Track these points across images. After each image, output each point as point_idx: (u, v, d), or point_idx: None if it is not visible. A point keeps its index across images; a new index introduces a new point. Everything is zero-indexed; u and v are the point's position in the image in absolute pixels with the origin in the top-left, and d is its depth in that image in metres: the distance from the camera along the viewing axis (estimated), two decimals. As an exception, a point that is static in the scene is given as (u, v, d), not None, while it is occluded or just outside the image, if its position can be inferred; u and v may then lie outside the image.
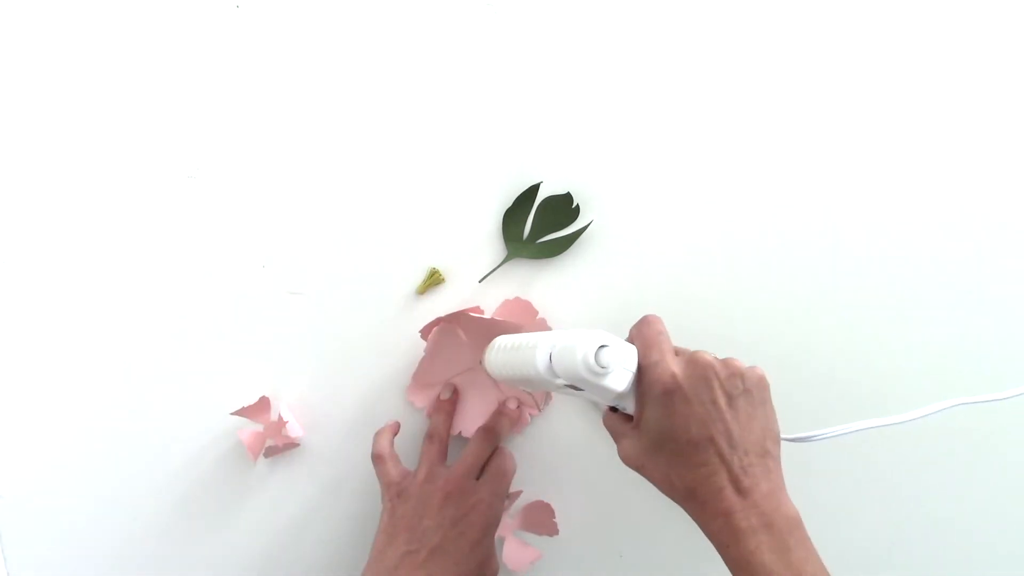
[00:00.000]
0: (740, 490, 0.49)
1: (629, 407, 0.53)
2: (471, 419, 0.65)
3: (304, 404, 0.66)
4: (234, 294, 0.66)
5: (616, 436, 0.55)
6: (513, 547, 0.64)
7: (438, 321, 0.62)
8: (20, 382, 0.66)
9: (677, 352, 0.53)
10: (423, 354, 0.64)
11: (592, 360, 0.49)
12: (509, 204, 0.66)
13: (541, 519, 0.64)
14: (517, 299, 0.64)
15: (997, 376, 0.65)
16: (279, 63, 0.66)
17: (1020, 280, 0.66)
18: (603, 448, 0.66)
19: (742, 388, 0.51)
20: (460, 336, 0.64)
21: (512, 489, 0.64)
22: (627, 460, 0.53)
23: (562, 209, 0.66)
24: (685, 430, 0.50)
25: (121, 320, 0.66)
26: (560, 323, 0.65)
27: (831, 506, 0.66)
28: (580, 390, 0.52)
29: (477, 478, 0.60)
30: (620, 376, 0.51)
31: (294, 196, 0.66)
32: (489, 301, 0.65)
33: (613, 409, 0.55)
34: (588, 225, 0.66)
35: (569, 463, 0.66)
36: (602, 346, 0.49)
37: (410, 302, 0.66)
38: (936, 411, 0.55)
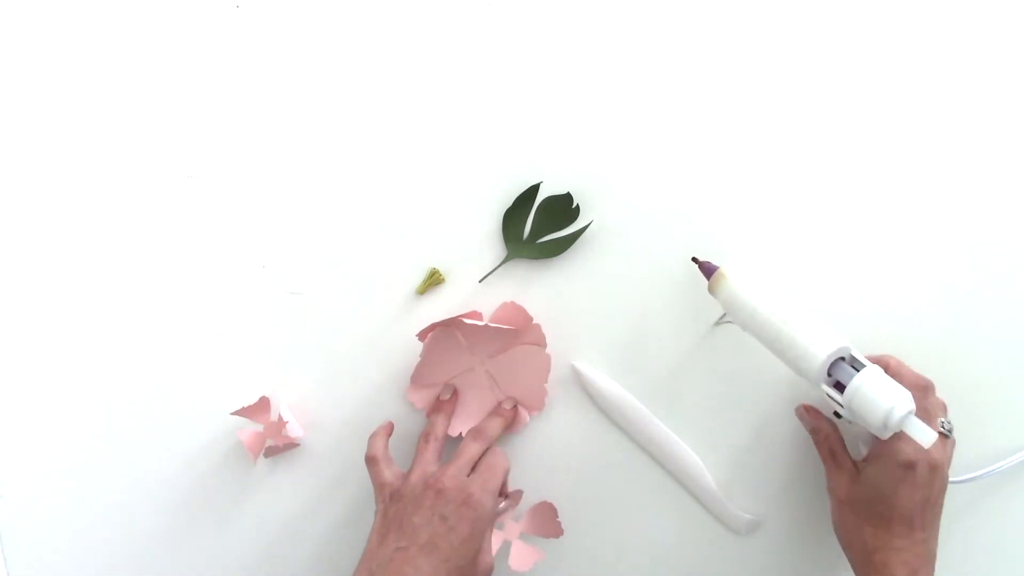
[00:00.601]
0: (909, 566, 0.56)
1: (862, 448, 0.60)
2: (469, 419, 0.65)
3: (304, 404, 0.66)
4: (234, 294, 0.66)
5: (831, 467, 0.61)
6: (517, 548, 0.64)
7: (435, 326, 0.62)
8: (20, 382, 0.66)
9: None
10: (420, 358, 0.64)
11: (895, 421, 0.53)
12: (509, 204, 0.66)
13: (545, 521, 0.64)
14: (512, 304, 0.64)
15: None
16: (279, 63, 0.66)
17: None
18: (601, 448, 0.66)
19: (941, 480, 0.58)
20: (458, 338, 0.64)
21: (511, 488, 0.64)
22: (836, 495, 0.60)
23: (562, 209, 0.66)
24: (903, 506, 0.57)
25: (121, 320, 0.66)
26: (559, 324, 0.65)
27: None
28: (840, 406, 0.55)
29: (468, 476, 0.60)
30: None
31: (294, 196, 0.66)
32: (489, 301, 0.65)
33: (836, 415, 0.58)
34: (588, 225, 0.66)
35: (568, 463, 0.66)
36: (910, 412, 0.53)
37: (410, 302, 0.66)
38: None
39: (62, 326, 0.66)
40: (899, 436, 0.55)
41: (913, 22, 0.66)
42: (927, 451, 0.56)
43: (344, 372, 0.66)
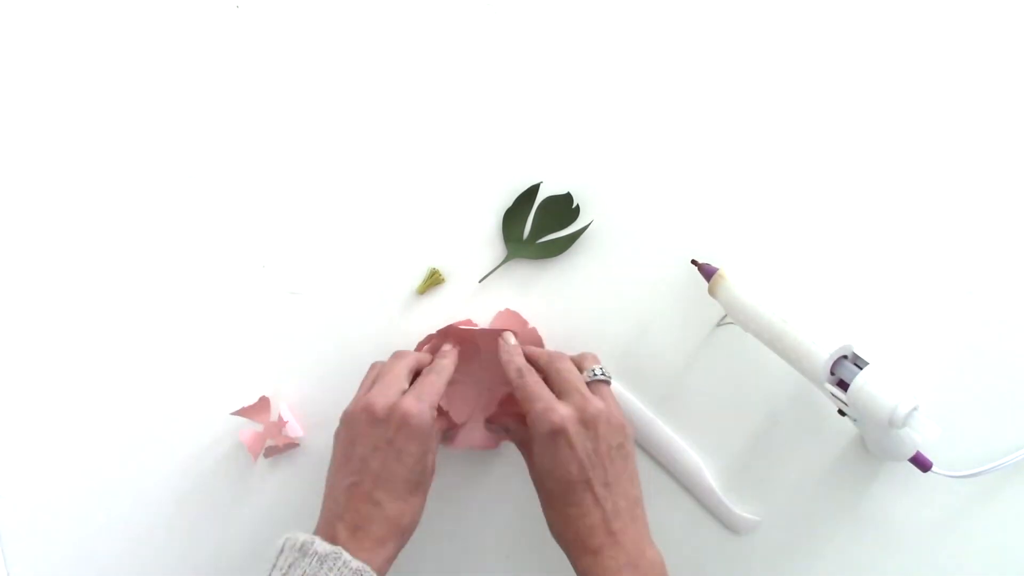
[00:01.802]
0: (610, 531, 0.53)
1: (868, 446, 0.60)
2: (464, 407, 0.64)
3: (304, 404, 0.66)
4: (234, 294, 0.66)
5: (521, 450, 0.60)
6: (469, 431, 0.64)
7: (430, 338, 0.62)
8: (20, 382, 0.66)
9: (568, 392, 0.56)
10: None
11: (900, 418, 0.53)
12: (509, 204, 0.66)
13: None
14: (507, 310, 0.64)
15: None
16: (279, 64, 0.66)
17: None
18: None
19: (620, 439, 0.55)
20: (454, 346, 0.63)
21: (507, 492, 0.64)
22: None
23: (562, 209, 0.66)
24: (565, 471, 0.54)
25: (121, 320, 0.66)
26: (559, 324, 0.65)
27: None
28: (845, 405, 0.55)
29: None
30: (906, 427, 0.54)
31: (294, 196, 0.66)
32: (489, 301, 0.65)
33: (841, 412, 0.58)
34: (588, 225, 0.66)
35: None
36: (915, 408, 0.53)
37: (410, 302, 0.66)
38: None
39: (62, 326, 0.66)
40: (535, 414, 0.55)
41: (910, 22, 0.66)
42: (570, 409, 0.54)
43: (344, 372, 0.66)
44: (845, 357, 0.56)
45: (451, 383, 0.60)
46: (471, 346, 0.63)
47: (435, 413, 0.56)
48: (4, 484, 0.66)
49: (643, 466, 0.66)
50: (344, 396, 0.65)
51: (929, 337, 0.65)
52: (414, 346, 0.63)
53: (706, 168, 0.66)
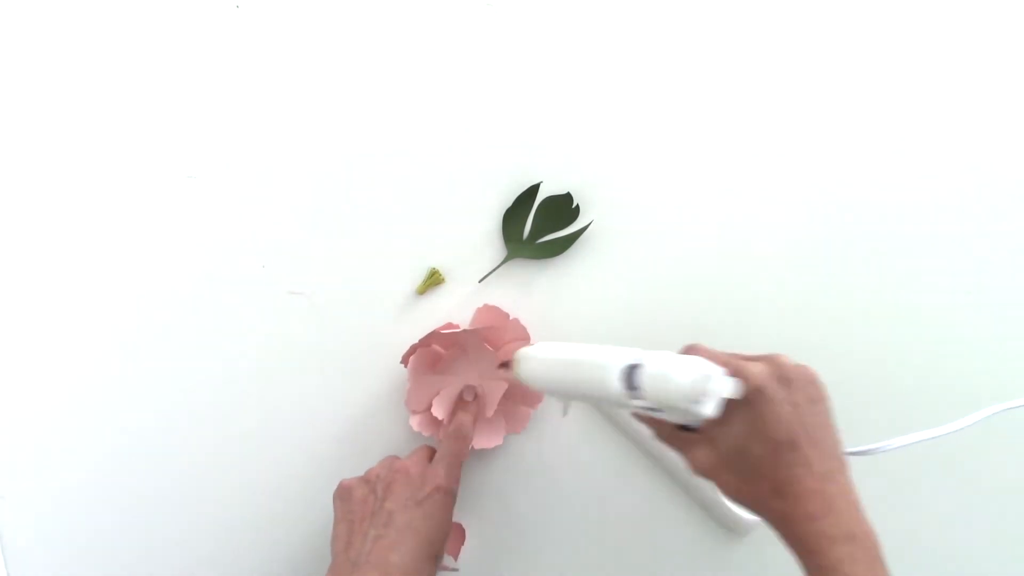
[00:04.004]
0: (826, 496, 0.48)
1: (695, 422, 0.52)
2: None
3: (304, 404, 0.66)
4: (234, 294, 0.66)
5: (683, 447, 0.53)
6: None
7: (414, 348, 0.62)
8: (20, 382, 0.66)
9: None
10: (408, 383, 0.64)
11: (697, 388, 0.48)
12: (509, 204, 0.66)
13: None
14: (486, 305, 0.64)
15: None
16: (279, 63, 0.66)
17: None
18: (600, 446, 0.66)
19: (817, 394, 0.50)
20: (439, 352, 0.64)
21: (508, 490, 0.64)
22: (702, 469, 0.52)
23: (562, 209, 0.66)
24: (774, 430, 0.49)
25: (121, 320, 0.66)
26: (559, 323, 0.65)
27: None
28: (656, 411, 0.51)
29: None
30: (713, 402, 0.49)
31: (294, 196, 0.66)
32: (489, 301, 0.65)
33: (681, 427, 0.53)
34: (588, 225, 0.66)
35: (567, 460, 0.66)
36: (706, 375, 0.48)
37: (410, 302, 0.66)
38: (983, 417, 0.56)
39: (61, 326, 0.66)
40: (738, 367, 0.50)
41: (910, 27, 0.66)
42: (755, 374, 0.49)
43: (344, 372, 0.66)
44: (633, 368, 0.51)
45: (443, 386, 0.62)
46: (458, 349, 0.63)
47: (458, 484, 0.59)
48: (4, 484, 0.66)
49: (643, 465, 0.66)
50: (343, 395, 0.65)
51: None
52: (406, 349, 0.63)
53: (706, 168, 0.66)
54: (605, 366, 0.51)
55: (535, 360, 0.55)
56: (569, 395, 0.54)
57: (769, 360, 0.51)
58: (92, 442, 0.66)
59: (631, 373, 0.50)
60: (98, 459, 0.66)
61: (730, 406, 0.50)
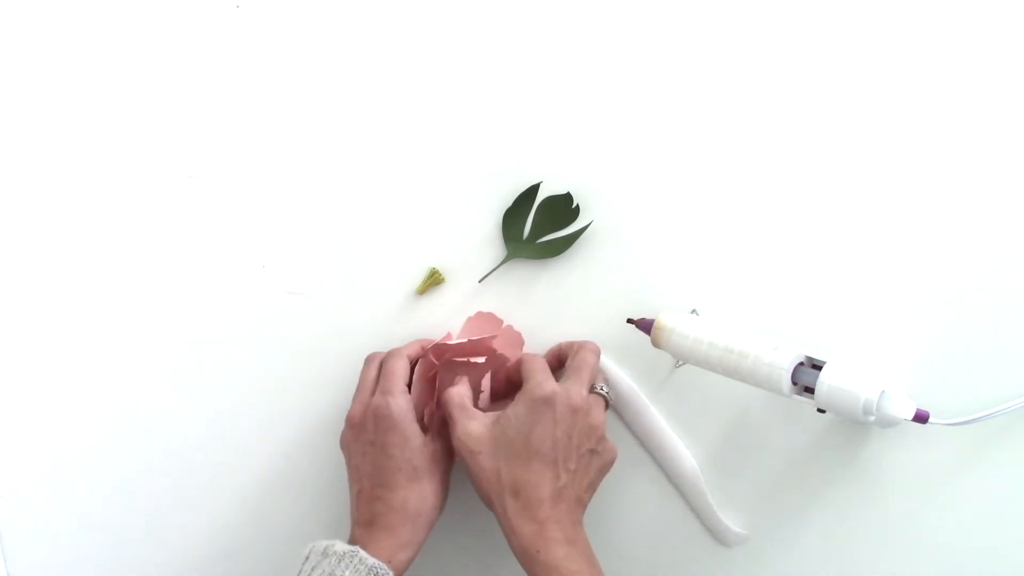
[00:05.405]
0: (557, 508, 0.56)
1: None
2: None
3: (304, 404, 0.66)
4: (234, 294, 0.66)
5: (460, 414, 0.59)
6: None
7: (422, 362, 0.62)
8: (20, 382, 0.66)
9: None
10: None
11: (872, 406, 0.54)
12: (509, 204, 0.66)
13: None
14: (479, 313, 0.64)
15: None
16: (279, 63, 0.66)
17: None
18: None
19: (599, 449, 0.58)
20: (431, 361, 0.63)
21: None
22: (465, 439, 0.58)
23: (562, 209, 0.66)
24: (541, 441, 0.56)
25: (121, 321, 0.66)
26: (559, 323, 0.65)
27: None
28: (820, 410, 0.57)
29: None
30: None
31: (294, 196, 0.66)
32: (489, 301, 0.65)
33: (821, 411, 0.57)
34: (588, 225, 0.66)
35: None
36: (882, 390, 0.55)
37: (410, 302, 0.66)
38: None
39: (61, 326, 0.66)
40: (533, 380, 0.58)
41: (911, 32, 0.66)
42: (567, 391, 0.57)
43: (344, 372, 0.66)
44: (802, 364, 0.57)
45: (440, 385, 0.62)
46: (450, 356, 0.63)
47: (407, 398, 0.59)
48: (4, 484, 0.66)
49: (642, 463, 0.66)
50: (343, 396, 0.65)
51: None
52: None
53: (706, 168, 0.66)
54: (772, 364, 0.56)
55: (683, 337, 0.59)
56: (723, 374, 0.59)
57: (576, 386, 0.58)
58: (92, 442, 0.66)
59: (800, 372, 0.56)
60: (98, 459, 0.66)
61: (527, 401, 0.57)
